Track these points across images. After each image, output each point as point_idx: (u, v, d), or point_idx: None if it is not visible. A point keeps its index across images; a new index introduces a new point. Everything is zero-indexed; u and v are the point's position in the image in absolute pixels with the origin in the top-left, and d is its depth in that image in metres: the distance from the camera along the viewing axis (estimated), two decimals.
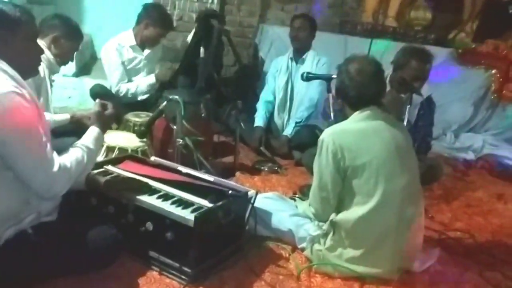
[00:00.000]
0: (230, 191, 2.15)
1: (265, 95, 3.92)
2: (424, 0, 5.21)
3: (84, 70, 4.61)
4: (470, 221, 2.99)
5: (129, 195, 2.04)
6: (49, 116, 2.59)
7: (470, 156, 4.35)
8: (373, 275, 2.11)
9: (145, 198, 2.03)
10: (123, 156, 2.52)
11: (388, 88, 2.93)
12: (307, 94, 3.73)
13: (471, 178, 3.86)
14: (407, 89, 2.85)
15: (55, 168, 1.69)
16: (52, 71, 2.79)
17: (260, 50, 5.07)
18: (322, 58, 3.75)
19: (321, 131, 2.45)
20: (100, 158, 2.61)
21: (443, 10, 5.41)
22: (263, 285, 2.06)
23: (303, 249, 2.29)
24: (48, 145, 1.71)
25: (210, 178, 2.30)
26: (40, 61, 1.86)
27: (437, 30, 5.25)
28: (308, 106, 3.72)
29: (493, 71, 4.62)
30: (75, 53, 2.89)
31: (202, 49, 3.49)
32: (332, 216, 2.15)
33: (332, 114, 2.71)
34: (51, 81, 2.81)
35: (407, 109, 2.76)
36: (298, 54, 3.81)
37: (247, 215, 2.21)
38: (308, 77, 3.00)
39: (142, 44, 3.71)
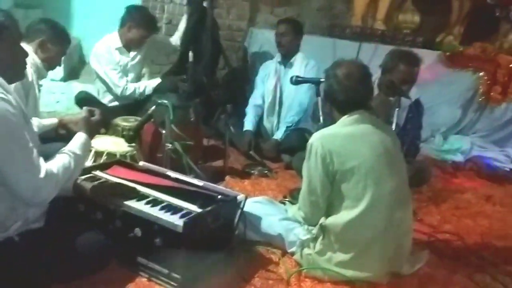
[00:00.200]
0: (219, 196, 2.14)
1: (254, 99, 3.92)
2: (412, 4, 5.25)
3: (72, 74, 4.59)
4: (459, 223, 3.00)
5: (117, 201, 2.03)
6: (37, 121, 2.57)
7: (459, 158, 4.38)
8: (363, 279, 2.11)
9: (133, 204, 2.01)
10: (111, 161, 2.51)
11: (376, 91, 2.96)
12: (297, 98, 3.74)
13: (459, 180, 3.88)
14: (395, 92, 2.86)
15: (42, 174, 1.67)
16: (40, 76, 2.76)
17: (249, 53, 5.06)
18: (310, 61, 3.76)
19: (311, 134, 2.45)
20: (88, 163, 2.59)
21: (431, 13, 5.45)
22: None
23: (293, 254, 2.29)
24: (35, 151, 1.69)
25: (199, 182, 2.30)
26: (25, 64, 1.84)
27: (425, 33, 5.28)
28: (298, 110, 3.73)
29: (481, 74, 4.65)
30: (63, 57, 2.87)
31: (191, 54, 3.50)
32: (322, 220, 2.15)
33: (321, 118, 2.71)
34: (39, 86, 2.78)
35: (395, 112, 2.76)
36: (286, 58, 3.82)
37: (236, 219, 2.21)
38: (297, 81, 3.01)
39: (128, 46, 3.71)
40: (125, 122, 3.14)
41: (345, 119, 2.16)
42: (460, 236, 2.79)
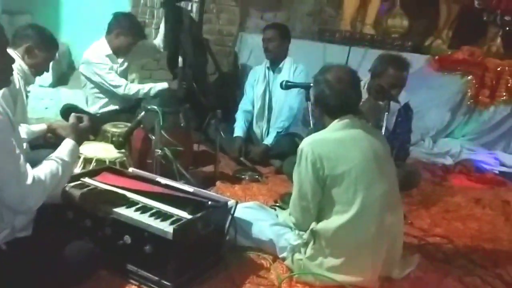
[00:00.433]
0: (209, 202, 2.13)
1: (243, 105, 3.92)
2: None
3: (61, 80, 4.55)
4: (449, 226, 3.02)
5: (106, 208, 2.01)
6: (26, 128, 2.55)
7: (448, 161, 4.41)
8: (354, 283, 2.11)
9: (122, 211, 2.00)
10: (100, 168, 2.49)
11: (366, 95, 2.98)
12: (286, 103, 3.74)
13: (449, 183, 3.90)
14: (385, 96, 2.87)
15: (29, 181, 1.66)
16: (27, 82, 2.74)
17: (239, 58, 5.07)
18: (299, 66, 3.76)
19: (301, 139, 2.46)
20: (77, 170, 2.58)
21: (419, 18, 5.50)
22: None
23: (284, 259, 2.28)
24: (22, 158, 1.67)
25: (190, 188, 2.29)
26: (12, 71, 1.82)
27: (414, 37, 5.33)
28: (288, 115, 3.73)
29: (469, 77, 4.70)
30: (51, 63, 2.85)
31: (180, 58, 3.50)
32: (313, 225, 2.15)
33: (312, 122, 2.71)
34: (27, 92, 2.76)
35: (385, 116, 2.78)
36: (274, 64, 3.82)
37: (227, 225, 2.20)
38: (287, 86, 3.01)
39: (116, 52, 3.72)
40: (115, 128, 3.12)
41: (335, 124, 2.16)
42: (450, 239, 2.81)
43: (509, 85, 4.62)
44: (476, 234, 2.95)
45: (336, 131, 2.15)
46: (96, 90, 3.71)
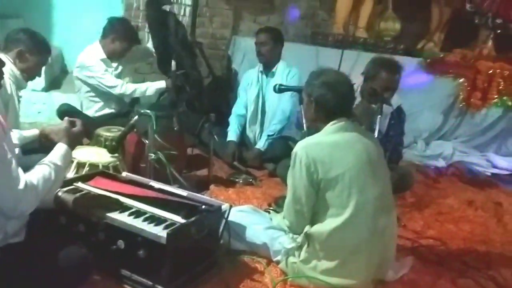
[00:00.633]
0: (203, 206, 2.13)
1: (237, 109, 3.92)
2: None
3: (54, 84, 4.53)
4: (442, 228, 3.03)
5: (100, 213, 2.00)
6: (17, 133, 2.53)
7: (441, 163, 4.44)
8: (348, 286, 2.12)
9: (116, 216, 1.99)
10: (93, 172, 2.48)
11: (359, 98, 2.99)
12: (280, 106, 3.74)
13: (442, 185, 3.93)
14: (377, 99, 2.88)
15: (21, 186, 1.65)
16: (19, 86, 2.72)
17: (233, 61, 5.07)
18: (292, 70, 3.76)
19: (295, 142, 2.47)
20: (70, 174, 2.56)
21: (411, 21, 5.53)
22: None
23: (278, 262, 2.29)
24: (14, 162, 1.66)
25: (183, 193, 2.28)
26: (2, 74, 1.81)
27: (406, 40, 5.35)
28: (281, 118, 3.73)
29: (461, 80, 4.73)
30: (44, 67, 2.84)
31: (173, 63, 3.50)
32: (307, 228, 2.15)
33: (305, 125, 2.72)
34: (19, 97, 2.75)
35: (378, 119, 2.79)
36: (268, 67, 3.82)
37: (221, 229, 2.20)
38: (280, 89, 3.02)
39: (110, 57, 3.72)
40: (108, 132, 3.11)
41: (329, 127, 2.17)
42: (443, 241, 2.82)
43: (500, 87, 4.67)
44: (468, 236, 2.97)
45: (330, 135, 2.16)
46: (91, 93, 3.71)
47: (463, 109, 4.78)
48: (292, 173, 2.15)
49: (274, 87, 3.03)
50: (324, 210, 2.11)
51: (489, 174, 4.35)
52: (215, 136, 3.27)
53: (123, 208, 2.07)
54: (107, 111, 3.75)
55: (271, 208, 2.81)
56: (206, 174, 3.30)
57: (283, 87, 3.04)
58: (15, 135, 2.43)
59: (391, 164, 2.77)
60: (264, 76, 3.83)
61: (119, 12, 4.73)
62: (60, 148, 1.91)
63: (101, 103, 3.73)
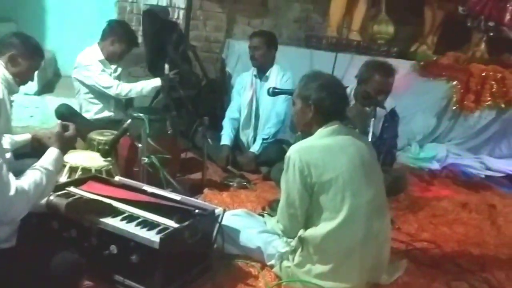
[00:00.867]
0: (196, 210, 2.12)
1: (230, 112, 3.91)
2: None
3: (46, 88, 4.51)
4: (436, 231, 3.03)
5: (92, 218, 1.99)
6: (9, 137, 2.51)
7: (435, 166, 4.44)
8: None
9: (108, 221, 1.98)
10: (86, 176, 2.46)
11: (353, 101, 3.00)
12: (274, 109, 3.74)
13: (436, 187, 3.93)
14: (371, 102, 2.89)
15: (12, 192, 1.63)
16: (11, 91, 2.69)
17: (227, 64, 5.07)
18: (286, 74, 3.76)
19: (289, 145, 2.46)
20: (63, 179, 2.55)
21: (405, 24, 5.55)
22: None
23: (272, 266, 2.28)
24: (4, 168, 1.64)
25: (176, 197, 2.27)
26: None
27: (399, 43, 5.37)
28: (275, 122, 3.73)
29: (454, 83, 4.74)
30: (36, 71, 2.82)
31: (166, 66, 3.49)
32: (300, 232, 2.15)
33: (298, 129, 2.72)
34: (11, 101, 2.73)
35: (371, 122, 2.79)
36: (261, 71, 3.81)
37: (214, 233, 2.18)
38: (274, 92, 3.02)
39: (109, 59, 3.72)
40: (101, 136, 3.09)
41: (322, 130, 2.16)
42: (437, 244, 2.82)
43: (493, 90, 4.68)
44: (462, 238, 2.97)
45: (323, 138, 2.16)
46: (90, 95, 3.70)
47: (456, 112, 4.79)
48: (285, 177, 2.15)
49: (268, 90, 3.03)
50: (318, 213, 2.10)
51: (483, 176, 4.36)
52: (209, 140, 3.26)
53: (115, 212, 2.05)
54: (106, 113, 3.74)
55: (265, 212, 2.80)
56: (200, 178, 3.29)
57: (277, 90, 3.04)
58: (7, 140, 2.42)
59: (385, 167, 2.77)
60: (258, 80, 3.82)
61: (112, 15, 4.72)
62: (52, 153, 1.90)
63: (100, 105, 3.72)
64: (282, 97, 3.49)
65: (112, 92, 3.63)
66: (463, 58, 4.93)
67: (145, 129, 2.68)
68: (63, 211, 1.96)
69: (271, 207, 2.88)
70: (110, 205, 2.10)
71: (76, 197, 2.14)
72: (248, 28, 5.37)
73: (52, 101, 4.16)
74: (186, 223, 2.00)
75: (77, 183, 2.32)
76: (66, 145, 1.97)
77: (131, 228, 1.94)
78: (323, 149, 2.13)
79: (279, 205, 2.23)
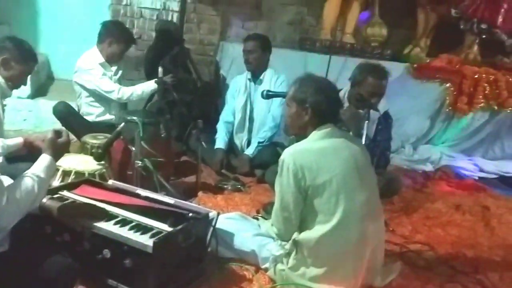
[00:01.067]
0: (190, 214, 2.11)
1: (224, 116, 3.90)
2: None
3: (40, 91, 4.48)
4: (429, 233, 3.04)
5: (85, 222, 1.98)
6: (1, 141, 2.50)
7: (429, 167, 4.47)
8: None
9: (101, 225, 1.97)
10: (79, 180, 2.45)
11: (346, 104, 3.00)
12: (270, 113, 3.74)
13: (430, 189, 3.94)
14: (364, 105, 2.90)
15: (3, 202, 1.62)
16: (4, 95, 2.68)
17: (221, 67, 5.06)
18: (280, 77, 3.76)
19: (283, 147, 2.46)
20: (56, 182, 2.53)
21: (398, 27, 5.58)
22: None
23: (266, 270, 2.28)
24: None
25: (170, 200, 2.26)
26: None
27: (392, 46, 5.39)
28: (272, 126, 3.73)
29: (448, 85, 4.77)
30: (30, 75, 2.81)
31: (160, 69, 3.49)
32: (295, 235, 2.15)
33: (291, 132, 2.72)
34: (3, 105, 2.71)
35: (365, 125, 2.80)
36: (255, 75, 3.80)
37: (208, 237, 2.18)
38: (268, 95, 3.03)
39: (109, 61, 3.71)
40: (94, 139, 3.07)
41: (316, 133, 2.17)
42: (432, 246, 2.83)
43: (486, 92, 4.72)
44: (456, 240, 2.98)
45: (317, 141, 2.16)
46: (91, 99, 3.69)
47: (449, 114, 4.82)
48: (279, 180, 2.14)
49: (262, 93, 3.04)
50: (312, 216, 2.10)
51: (476, 178, 4.39)
52: (203, 143, 3.25)
53: (109, 216, 2.04)
54: (107, 117, 3.72)
55: (260, 215, 2.80)
56: (194, 181, 3.27)
57: (271, 93, 3.05)
58: None
59: (378, 169, 2.78)
60: (252, 84, 3.82)
61: (105, 19, 4.69)
62: (44, 160, 1.88)
63: (102, 109, 3.70)
64: (277, 101, 3.50)
65: (113, 96, 3.62)
66: (456, 61, 4.95)
67: (139, 132, 2.67)
68: (55, 215, 1.95)
69: (265, 210, 2.88)
70: (103, 209, 2.09)
71: (69, 201, 2.12)
72: (242, 31, 5.37)
73: (45, 105, 4.14)
74: (180, 226, 1.99)
75: (70, 187, 2.31)
76: (58, 151, 1.95)
77: (124, 232, 1.93)
78: (317, 152, 2.13)
79: (273, 208, 2.22)
